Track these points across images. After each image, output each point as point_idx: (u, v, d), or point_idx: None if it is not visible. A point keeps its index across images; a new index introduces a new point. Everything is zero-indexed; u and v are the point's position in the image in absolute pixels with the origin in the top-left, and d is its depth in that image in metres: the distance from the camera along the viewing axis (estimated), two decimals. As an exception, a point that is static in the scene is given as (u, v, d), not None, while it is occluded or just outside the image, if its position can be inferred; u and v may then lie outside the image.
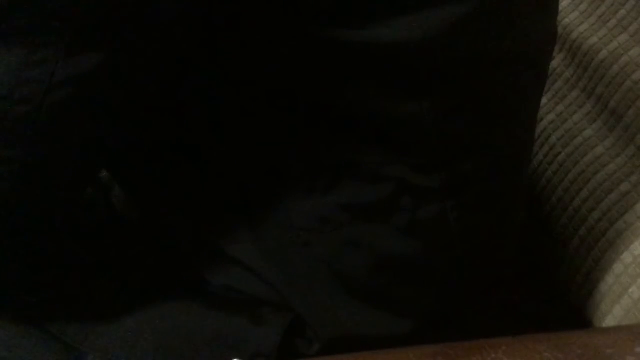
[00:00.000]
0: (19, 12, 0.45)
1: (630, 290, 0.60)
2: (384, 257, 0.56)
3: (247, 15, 0.50)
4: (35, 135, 0.47)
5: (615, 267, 0.63)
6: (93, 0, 0.45)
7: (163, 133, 0.57)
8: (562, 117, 0.75)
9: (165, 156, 0.58)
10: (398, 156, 0.55)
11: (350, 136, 0.55)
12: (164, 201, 0.60)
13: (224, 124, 0.56)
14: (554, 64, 0.78)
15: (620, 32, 0.70)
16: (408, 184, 0.55)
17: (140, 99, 0.53)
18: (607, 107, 0.70)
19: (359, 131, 0.54)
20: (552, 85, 0.78)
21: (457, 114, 0.55)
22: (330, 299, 0.56)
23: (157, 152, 0.58)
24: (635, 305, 0.60)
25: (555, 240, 0.71)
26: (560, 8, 0.78)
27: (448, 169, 0.56)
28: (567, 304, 0.69)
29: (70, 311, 0.57)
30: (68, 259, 0.60)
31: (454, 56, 0.53)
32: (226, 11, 0.50)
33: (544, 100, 0.76)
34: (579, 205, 0.69)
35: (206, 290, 0.58)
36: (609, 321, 0.62)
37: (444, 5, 0.51)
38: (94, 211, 0.66)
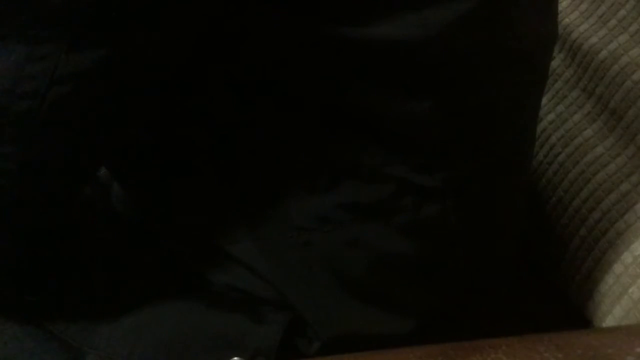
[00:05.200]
0: (21, 7, 0.45)
1: (630, 290, 0.60)
2: (385, 256, 0.56)
3: (250, 12, 0.50)
4: (36, 131, 0.47)
5: (615, 267, 0.63)
6: None
7: (164, 131, 0.57)
8: (562, 117, 0.75)
9: (166, 154, 0.58)
10: (399, 156, 0.55)
11: (351, 135, 0.54)
12: (163, 200, 0.60)
13: (225, 123, 0.56)
14: (554, 64, 0.78)
15: (620, 32, 0.70)
16: (409, 184, 0.55)
17: (142, 96, 0.53)
18: (607, 107, 0.70)
19: (360, 130, 0.54)
20: (552, 85, 0.78)
21: (459, 113, 0.55)
22: (330, 298, 0.56)
23: (158, 150, 0.58)
24: (635, 305, 0.60)
25: (555, 240, 0.71)
26: (560, 8, 0.78)
27: (449, 169, 0.56)
28: (567, 304, 0.69)
29: (70, 311, 0.57)
30: (67, 259, 0.60)
31: (455, 55, 0.53)
32: (229, 8, 0.50)
33: (544, 100, 0.76)
34: (579, 205, 0.69)
35: (206, 289, 0.58)
36: (609, 321, 0.62)
37: (445, 3, 0.51)
38: (93, 210, 0.66)
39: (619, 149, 0.68)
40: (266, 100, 0.54)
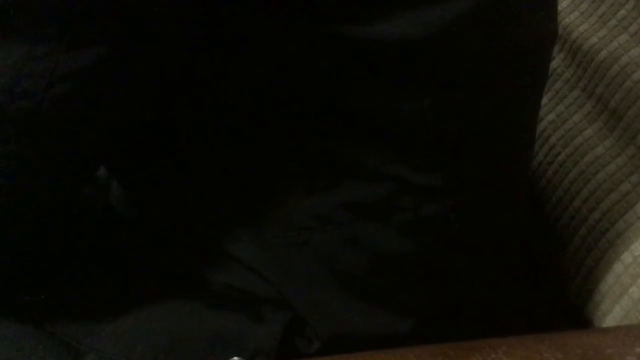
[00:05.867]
0: (20, 5, 0.45)
1: (630, 290, 0.60)
2: (384, 256, 0.56)
3: (251, 10, 0.50)
4: (36, 130, 0.47)
5: (615, 267, 0.63)
6: None
7: (163, 130, 0.57)
8: (562, 117, 0.75)
9: (165, 153, 0.58)
10: (399, 155, 0.55)
11: (350, 135, 0.54)
12: (163, 199, 0.60)
13: (224, 122, 0.56)
14: (554, 64, 0.78)
15: (620, 32, 0.70)
16: (409, 183, 0.55)
17: (141, 95, 0.53)
18: (607, 107, 0.70)
19: (359, 129, 0.54)
20: (552, 85, 0.78)
21: (458, 112, 0.55)
22: (329, 297, 0.56)
23: (157, 149, 0.58)
24: (635, 305, 0.60)
25: (555, 240, 0.71)
26: (560, 8, 0.78)
27: (449, 168, 0.56)
28: (567, 304, 0.69)
29: (70, 311, 0.57)
30: (67, 258, 0.60)
31: (455, 54, 0.53)
32: (230, 6, 0.50)
33: (544, 100, 0.76)
34: (579, 205, 0.69)
35: (206, 289, 0.58)
36: (609, 321, 0.62)
37: (445, 2, 0.51)
38: (92, 210, 0.66)
39: (619, 149, 0.68)
40: (266, 100, 0.54)
